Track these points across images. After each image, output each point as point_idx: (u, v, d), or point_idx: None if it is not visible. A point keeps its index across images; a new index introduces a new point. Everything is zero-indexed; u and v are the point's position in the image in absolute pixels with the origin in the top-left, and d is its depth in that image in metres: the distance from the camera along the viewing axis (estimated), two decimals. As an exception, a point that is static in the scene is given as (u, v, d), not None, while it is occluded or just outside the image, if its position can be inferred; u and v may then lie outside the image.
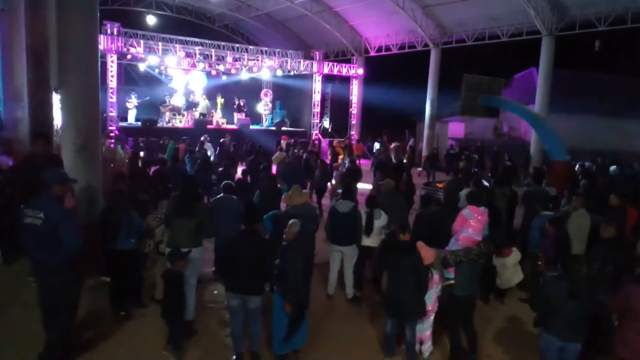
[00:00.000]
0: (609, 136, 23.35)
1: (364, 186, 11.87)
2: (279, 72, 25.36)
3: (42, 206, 4.56)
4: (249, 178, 11.24)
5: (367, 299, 6.87)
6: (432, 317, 5.36)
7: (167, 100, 23.08)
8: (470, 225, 6.02)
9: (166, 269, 5.23)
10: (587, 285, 4.41)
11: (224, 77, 26.58)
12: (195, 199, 5.84)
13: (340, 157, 16.27)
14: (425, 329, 5.35)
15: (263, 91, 26.94)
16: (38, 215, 4.51)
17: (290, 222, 5.18)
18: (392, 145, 19.88)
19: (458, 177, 10.25)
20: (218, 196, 7.40)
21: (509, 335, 6.14)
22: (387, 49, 23.91)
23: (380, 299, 6.36)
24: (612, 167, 14.85)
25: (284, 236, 5.16)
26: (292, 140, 20.11)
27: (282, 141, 19.39)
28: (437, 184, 11.57)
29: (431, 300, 5.25)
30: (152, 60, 21.07)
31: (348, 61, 25.83)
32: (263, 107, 26.43)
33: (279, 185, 8.79)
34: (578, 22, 16.74)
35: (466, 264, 5.21)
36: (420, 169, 20.39)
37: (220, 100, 24.55)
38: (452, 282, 5.33)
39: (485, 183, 9.52)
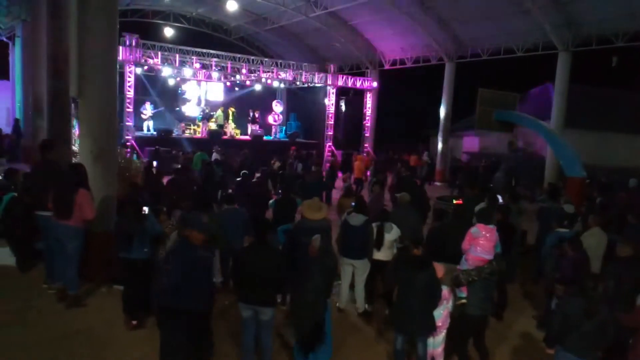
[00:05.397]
0: (626, 152, 23.06)
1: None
2: (298, 83, 25.53)
3: None
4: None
5: (378, 314, 6.81)
6: (443, 334, 5.29)
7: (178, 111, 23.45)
8: (479, 243, 5.94)
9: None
10: (602, 303, 4.33)
11: (238, 89, 26.84)
12: (206, 210, 5.87)
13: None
14: (437, 346, 5.27)
15: (274, 102, 27.13)
16: None
17: (314, 237, 5.11)
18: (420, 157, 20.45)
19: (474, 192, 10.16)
20: (223, 208, 7.42)
21: (522, 353, 6.04)
22: (402, 62, 23.96)
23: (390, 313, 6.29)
24: (632, 180, 14.58)
25: (309, 250, 5.06)
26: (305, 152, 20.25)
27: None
28: (453, 199, 11.46)
29: (441, 316, 5.18)
30: (169, 71, 21.37)
31: (362, 74, 25.93)
32: (273, 118, 26.64)
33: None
34: (595, 38, 16.65)
35: (479, 282, 5.14)
36: (437, 182, 20.65)
37: (232, 111, 24.76)
38: (464, 301, 5.26)
39: (500, 199, 9.44)
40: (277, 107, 27.20)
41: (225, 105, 25.46)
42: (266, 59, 24.37)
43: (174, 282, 4.28)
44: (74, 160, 7.71)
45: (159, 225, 6.14)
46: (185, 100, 24.95)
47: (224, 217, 6.99)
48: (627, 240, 5.51)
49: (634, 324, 4.38)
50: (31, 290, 6.72)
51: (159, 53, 20.06)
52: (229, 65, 22.10)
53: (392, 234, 6.77)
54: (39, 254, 7.19)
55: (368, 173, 18.37)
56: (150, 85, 23.48)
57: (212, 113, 24.46)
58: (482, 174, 17.96)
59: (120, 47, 17.99)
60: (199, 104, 25.24)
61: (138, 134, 21.04)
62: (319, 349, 4.98)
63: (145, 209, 6.07)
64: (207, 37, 26.60)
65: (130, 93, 19.56)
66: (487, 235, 5.97)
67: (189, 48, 21.94)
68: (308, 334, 4.90)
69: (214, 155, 16.99)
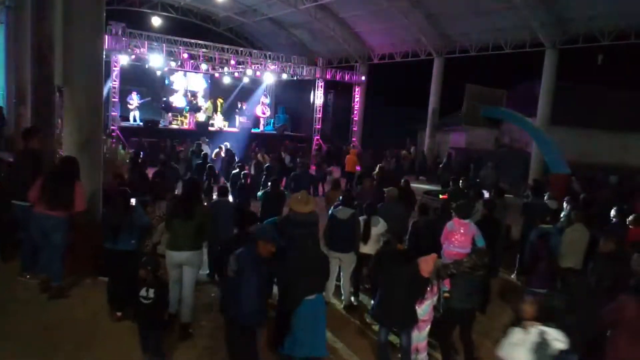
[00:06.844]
0: (610, 150, 23.37)
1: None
2: (284, 76, 25.40)
3: None
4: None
5: (364, 307, 6.85)
6: (428, 327, 5.34)
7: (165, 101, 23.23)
8: (455, 238, 5.98)
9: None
10: (585, 299, 4.41)
11: (226, 81, 26.64)
12: (196, 202, 5.84)
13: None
14: (421, 339, 5.32)
15: (262, 95, 27.03)
16: None
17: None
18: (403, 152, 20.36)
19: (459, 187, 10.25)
20: (214, 200, 7.42)
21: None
22: (391, 57, 23.98)
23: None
24: (612, 177, 14.81)
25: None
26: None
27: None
28: (440, 194, 11.52)
29: (428, 310, 5.23)
30: (156, 61, 21.12)
31: (351, 68, 25.90)
32: (261, 110, 26.55)
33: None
34: (581, 36, 16.82)
35: (460, 276, 5.17)
36: (422, 177, 20.73)
37: (220, 102, 24.62)
38: (447, 295, 5.31)
39: (486, 194, 9.53)
40: (265, 99, 27.10)
41: (214, 97, 25.30)
42: (255, 51, 24.21)
43: (249, 297, 4.28)
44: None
45: (146, 216, 6.10)
46: (172, 91, 24.73)
47: (216, 209, 6.97)
48: (610, 235, 5.60)
49: (613, 317, 4.43)
50: (14, 280, 6.63)
51: (146, 42, 19.82)
52: (217, 56, 21.91)
53: (378, 227, 6.78)
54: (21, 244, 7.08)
55: (358, 167, 18.39)
56: (136, 75, 23.17)
57: (200, 105, 24.31)
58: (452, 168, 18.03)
59: (107, 36, 17.74)
60: (185, 94, 25.05)
61: (124, 124, 20.80)
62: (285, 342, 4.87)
63: (133, 200, 6.03)
64: (195, 28, 26.32)
65: (116, 82, 19.33)
66: (462, 229, 6.02)
67: (176, 38, 21.71)
68: (279, 327, 4.88)
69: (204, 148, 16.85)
